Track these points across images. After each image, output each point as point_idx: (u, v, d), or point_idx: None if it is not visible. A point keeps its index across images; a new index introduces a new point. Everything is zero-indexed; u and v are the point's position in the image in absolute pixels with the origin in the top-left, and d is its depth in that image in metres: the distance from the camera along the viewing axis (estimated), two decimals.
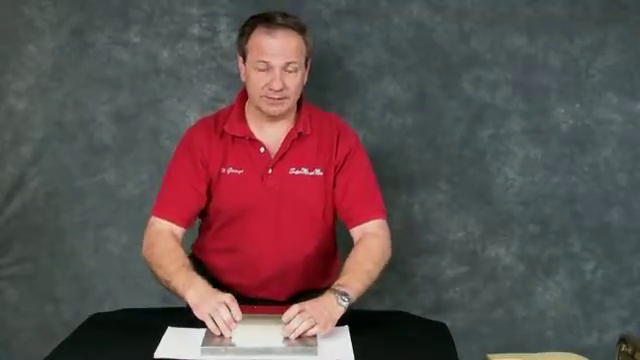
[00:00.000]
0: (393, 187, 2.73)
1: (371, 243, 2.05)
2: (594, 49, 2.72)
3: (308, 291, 2.07)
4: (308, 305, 1.82)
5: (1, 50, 2.65)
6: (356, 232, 2.09)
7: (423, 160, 2.76)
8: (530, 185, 2.77)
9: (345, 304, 1.87)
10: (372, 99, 2.72)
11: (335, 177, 2.11)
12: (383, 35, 2.70)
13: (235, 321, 1.79)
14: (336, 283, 1.92)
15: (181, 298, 1.91)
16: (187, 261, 1.98)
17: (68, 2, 2.65)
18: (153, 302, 2.68)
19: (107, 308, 2.09)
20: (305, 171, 2.08)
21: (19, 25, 2.65)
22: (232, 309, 1.80)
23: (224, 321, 1.78)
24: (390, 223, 2.14)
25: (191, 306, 1.86)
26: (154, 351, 1.71)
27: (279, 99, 2.02)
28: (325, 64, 2.65)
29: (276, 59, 1.99)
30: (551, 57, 2.72)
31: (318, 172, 2.09)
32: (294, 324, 1.77)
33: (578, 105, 2.75)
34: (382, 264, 2.04)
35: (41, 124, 2.69)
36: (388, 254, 2.07)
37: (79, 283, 2.75)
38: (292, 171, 2.08)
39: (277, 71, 1.99)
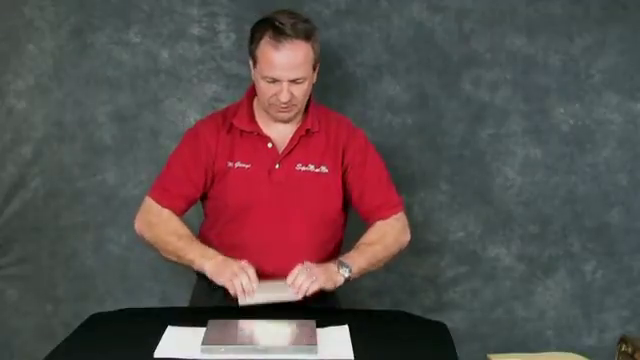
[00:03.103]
0: None
1: (384, 228, 2.15)
2: (594, 49, 2.72)
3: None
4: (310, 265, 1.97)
5: (1, 50, 2.65)
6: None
7: (423, 160, 2.76)
8: (530, 185, 2.77)
9: (345, 274, 2.00)
10: (372, 99, 2.72)
11: (348, 177, 2.15)
12: (383, 35, 2.70)
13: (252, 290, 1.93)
14: (341, 256, 2.05)
15: (197, 269, 2.05)
16: (192, 234, 2.10)
17: (68, 2, 2.65)
18: (153, 302, 2.69)
19: (107, 308, 2.09)
20: (311, 167, 2.11)
21: (19, 25, 2.65)
22: (250, 275, 1.94)
23: (243, 286, 1.92)
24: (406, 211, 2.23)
25: (209, 275, 2.00)
26: (154, 351, 1.71)
27: (287, 107, 2.06)
28: (325, 64, 2.63)
29: (283, 75, 2.01)
30: (551, 57, 2.72)
31: (324, 169, 2.12)
32: (299, 280, 1.92)
33: (578, 105, 2.75)
34: (393, 249, 2.15)
35: (41, 124, 2.69)
36: (403, 239, 2.19)
37: (79, 283, 2.75)
38: (299, 167, 2.10)
39: (285, 85, 2.02)
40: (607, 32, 2.72)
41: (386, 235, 2.14)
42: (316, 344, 1.73)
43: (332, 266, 2.02)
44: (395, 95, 2.73)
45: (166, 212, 2.11)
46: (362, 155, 2.16)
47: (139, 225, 2.14)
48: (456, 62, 2.72)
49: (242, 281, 1.93)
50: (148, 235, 2.12)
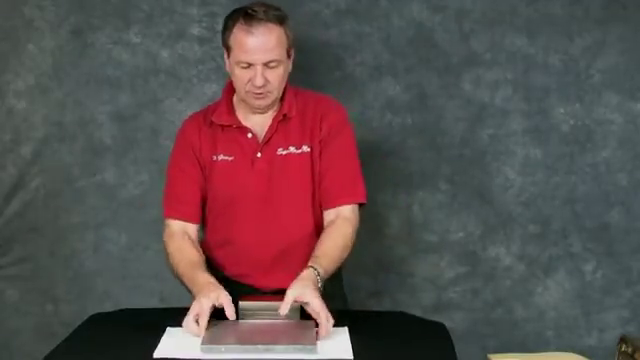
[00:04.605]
0: (393, 187, 2.73)
1: (347, 230, 2.07)
2: (594, 49, 2.72)
3: None
4: (309, 295, 1.83)
5: (1, 50, 2.65)
6: (330, 214, 2.10)
7: (423, 160, 2.76)
8: (530, 185, 2.77)
9: (321, 289, 1.92)
10: (372, 99, 2.72)
11: (320, 152, 2.11)
12: (383, 35, 2.70)
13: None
14: (317, 263, 1.95)
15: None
16: (194, 257, 2.04)
17: (68, 2, 2.65)
18: (153, 302, 2.69)
19: (107, 308, 2.09)
20: (292, 149, 2.10)
21: (19, 25, 2.65)
22: (227, 312, 1.83)
23: (190, 332, 1.81)
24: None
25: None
26: (154, 351, 1.71)
27: (262, 94, 2.04)
28: (325, 64, 2.66)
29: (257, 58, 2.00)
30: (551, 57, 2.72)
31: (305, 149, 2.10)
32: (330, 327, 1.80)
33: (578, 105, 2.75)
34: (350, 250, 2.08)
35: (41, 124, 2.69)
36: (349, 244, 2.09)
37: (79, 283, 2.75)
38: (280, 152, 2.09)
39: (258, 68, 2.00)
40: (607, 32, 2.72)
41: (348, 238, 2.06)
42: (316, 344, 1.73)
43: (315, 281, 1.91)
44: (395, 95, 2.73)
45: (178, 235, 2.08)
46: (336, 129, 2.11)
47: (164, 243, 2.13)
48: (456, 62, 2.72)
49: (191, 330, 1.81)
50: (165, 256, 2.10)
